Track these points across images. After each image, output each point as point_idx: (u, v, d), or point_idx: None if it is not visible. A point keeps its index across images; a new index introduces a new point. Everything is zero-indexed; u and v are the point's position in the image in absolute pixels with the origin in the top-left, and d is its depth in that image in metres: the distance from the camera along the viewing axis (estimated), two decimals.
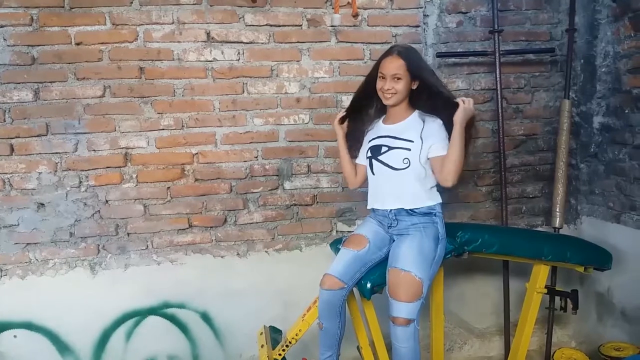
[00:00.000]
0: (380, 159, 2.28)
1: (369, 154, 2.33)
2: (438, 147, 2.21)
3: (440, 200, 2.30)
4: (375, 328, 2.47)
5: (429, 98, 2.26)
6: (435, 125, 2.24)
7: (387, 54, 2.25)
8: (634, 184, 2.74)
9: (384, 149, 2.28)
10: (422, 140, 2.21)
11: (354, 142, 2.47)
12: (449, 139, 2.19)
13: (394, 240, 2.29)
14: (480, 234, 2.44)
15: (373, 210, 2.39)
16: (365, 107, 2.40)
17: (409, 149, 2.22)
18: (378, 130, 2.36)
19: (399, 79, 2.20)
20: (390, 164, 2.26)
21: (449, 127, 2.20)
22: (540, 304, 2.62)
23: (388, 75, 2.21)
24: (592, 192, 3.08)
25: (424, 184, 2.25)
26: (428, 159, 2.24)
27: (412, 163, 2.21)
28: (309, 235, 2.92)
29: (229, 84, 2.74)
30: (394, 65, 2.20)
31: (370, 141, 2.36)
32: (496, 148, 2.93)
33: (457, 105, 2.17)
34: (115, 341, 2.74)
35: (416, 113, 2.30)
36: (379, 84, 2.25)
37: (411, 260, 2.14)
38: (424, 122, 2.26)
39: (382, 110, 2.38)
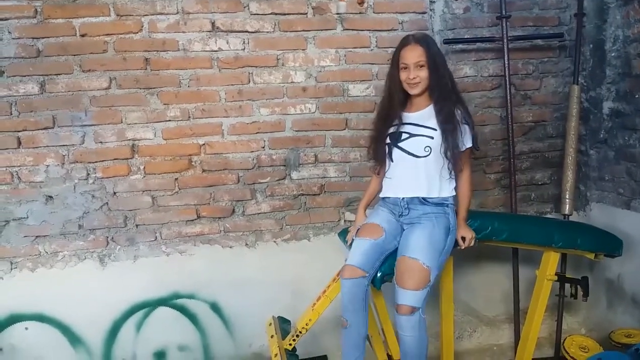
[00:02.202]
0: (401, 145, 2.25)
1: (388, 140, 2.29)
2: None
3: (454, 193, 2.30)
4: (385, 317, 2.47)
5: (441, 88, 2.21)
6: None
7: (405, 43, 2.22)
8: None
9: (404, 135, 2.25)
10: None
11: (380, 143, 2.33)
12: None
13: (404, 230, 2.28)
14: (490, 222, 2.43)
15: (383, 199, 2.37)
16: (392, 106, 2.30)
17: (432, 137, 2.20)
18: (402, 118, 2.29)
19: (421, 66, 2.18)
20: (411, 151, 2.23)
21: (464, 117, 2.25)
22: (550, 291, 2.61)
23: (411, 64, 2.18)
24: (601, 179, 3.05)
25: (443, 174, 2.24)
26: None
27: (434, 151, 2.20)
28: (317, 225, 2.92)
29: (234, 74, 2.73)
30: (416, 54, 2.17)
31: (392, 127, 2.30)
32: (505, 135, 2.91)
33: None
34: (125, 332, 2.75)
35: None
36: (403, 75, 2.21)
37: (420, 248, 2.14)
38: None
39: (403, 103, 2.31)
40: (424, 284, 2.11)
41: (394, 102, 2.28)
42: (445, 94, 2.21)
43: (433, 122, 2.22)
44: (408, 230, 2.24)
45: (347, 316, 2.20)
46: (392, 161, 2.29)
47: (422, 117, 2.25)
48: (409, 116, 2.28)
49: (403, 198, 2.25)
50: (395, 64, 2.25)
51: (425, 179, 2.22)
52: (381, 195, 2.37)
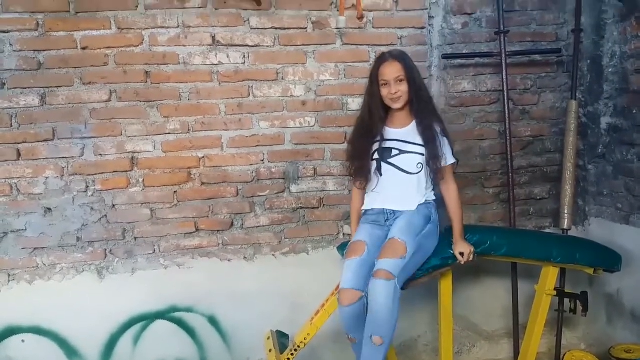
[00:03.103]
0: (391, 162, 2.31)
1: (376, 156, 2.33)
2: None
3: (435, 198, 2.40)
4: None
5: (420, 100, 2.31)
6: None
7: (383, 60, 2.31)
8: None
9: (394, 152, 2.31)
10: None
11: (365, 160, 2.37)
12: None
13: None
14: (489, 236, 2.43)
15: (366, 211, 2.41)
16: (374, 122, 2.36)
17: (422, 154, 2.29)
18: (385, 134, 2.36)
19: (401, 80, 2.27)
20: (402, 168, 2.30)
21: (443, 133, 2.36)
22: (550, 306, 2.60)
23: (391, 79, 2.26)
24: (600, 194, 3.06)
25: (427, 186, 2.35)
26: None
27: (424, 168, 2.29)
28: (315, 238, 2.91)
29: (234, 87, 2.74)
30: (395, 69, 2.27)
31: (375, 143, 2.36)
32: (503, 150, 2.91)
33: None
34: (122, 345, 2.73)
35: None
36: (384, 91, 2.29)
37: (397, 229, 2.23)
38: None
39: (383, 119, 2.37)
40: (399, 254, 2.13)
41: (375, 118, 2.34)
42: (424, 106, 2.32)
43: (419, 138, 2.31)
44: (392, 225, 2.30)
45: (353, 335, 2.20)
46: (381, 176, 2.34)
47: (409, 133, 2.33)
48: (394, 132, 2.35)
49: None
50: (375, 81, 2.32)
51: (415, 194, 2.31)
52: (366, 207, 2.41)
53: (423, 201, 2.32)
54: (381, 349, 2.10)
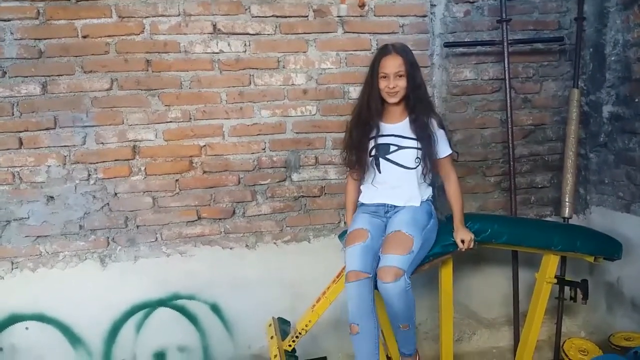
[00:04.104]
0: (389, 157, 2.32)
1: (374, 153, 2.33)
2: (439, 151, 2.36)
3: (432, 193, 2.43)
4: (385, 320, 2.47)
5: (417, 97, 2.30)
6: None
7: (385, 53, 2.28)
8: None
9: (392, 147, 2.31)
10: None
11: (362, 152, 2.36)
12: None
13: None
14: (490, 224, 2.43)
15: (363, 204, 2.42)
16: (371, 114, 2.34)
17: (420, 148, 2.29)
18: (381, 129, 2.35)
19: (401, 76, 2.25)
20: (401, 163, 2.31)
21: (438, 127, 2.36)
22: (550, 294, 2.61)
23: (391, 73, 2.25)
24: (601, 182, 3.06)
25: (426, 180, 2.36)
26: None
27: (422, 162, 2.29)
28: (317, 226, 2.92)
29: (235, 75, 2.74)
30: (397, 63, 2.25)
31: (371, 139, 2.35)
32: (505, 138, 2.91)
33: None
34: (125, 333, 2.75)
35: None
36: (382, 83, 2.28)
37: (403, 222, 2.23)
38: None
39: (380, 112, 2.36)
40: (407, 250, 2.14)
41: (372, 111, 2.32)
42: (420, 103, 2.30)
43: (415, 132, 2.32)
44: (393, 216, 2.31)
45: (357, 321, 2.14)
46: (380, 172, 2.34)
47: (404, 128, 2.33)
48: (389, 127, 2.35)
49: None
50: (375, 73, 2.29)
51: (416, 189, 2.32)
52: (365, 201, 2.41)
53: (425, 199, 2.35)
54: (412, 330, 2.24)
